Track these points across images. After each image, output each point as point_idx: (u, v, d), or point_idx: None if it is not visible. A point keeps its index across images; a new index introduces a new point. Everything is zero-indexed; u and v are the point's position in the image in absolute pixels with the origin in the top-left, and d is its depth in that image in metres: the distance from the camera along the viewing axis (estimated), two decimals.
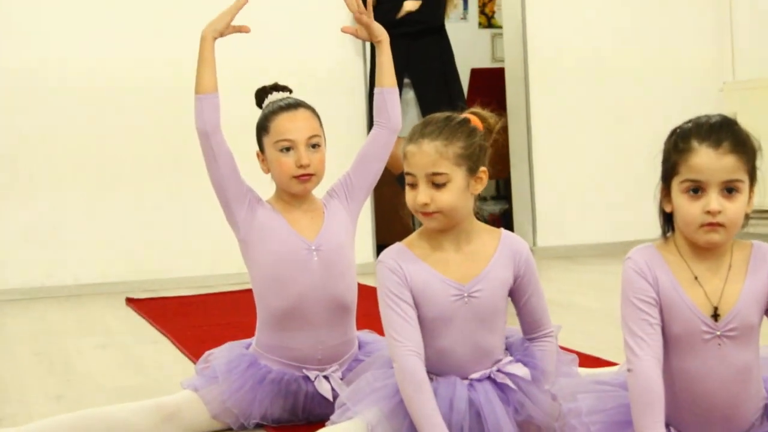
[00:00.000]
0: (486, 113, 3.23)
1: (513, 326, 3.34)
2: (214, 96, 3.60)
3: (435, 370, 3.16)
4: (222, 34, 3.65)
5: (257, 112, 3.72)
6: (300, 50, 7.82)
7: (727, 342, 2.72)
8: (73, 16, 7.70)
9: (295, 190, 3.66)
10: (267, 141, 3.65)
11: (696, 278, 2.74)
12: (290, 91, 3.75)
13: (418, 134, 3.12)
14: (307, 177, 3.62)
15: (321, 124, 3.69)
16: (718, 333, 2.71)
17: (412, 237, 3.23)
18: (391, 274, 3.12)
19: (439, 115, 3.18)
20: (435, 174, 3.07)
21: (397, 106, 3.75)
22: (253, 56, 7.43)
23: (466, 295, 3.14)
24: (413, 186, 3.10)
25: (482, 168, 3.14)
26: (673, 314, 2.74)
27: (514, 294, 3.26)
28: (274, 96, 3.72)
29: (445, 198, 3.07)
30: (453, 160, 3.07)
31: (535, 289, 3.27)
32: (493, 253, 3.21)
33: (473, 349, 3.18)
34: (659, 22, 8.60)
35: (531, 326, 3.30)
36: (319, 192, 3.76)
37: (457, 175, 3.08)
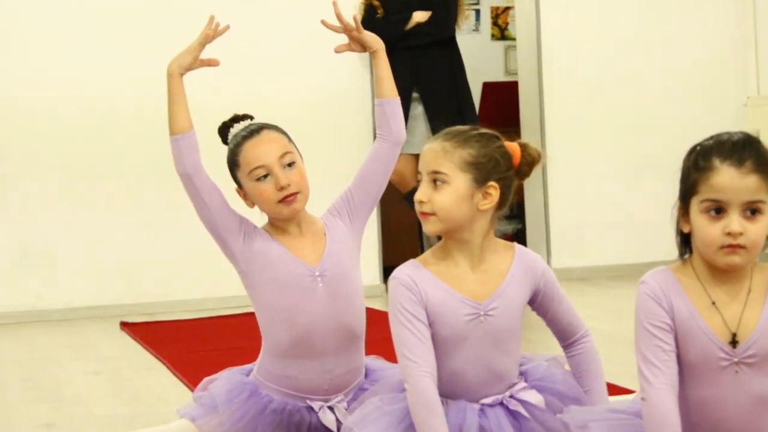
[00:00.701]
0: (532, 146, 3.26)
1: (528, 352, 3.35)
2: (191, 135, 3.58)
3: (445, 392, 3.16)
4: (190, 69, 3.62)
5: None
6: (306, 68, 7.80)
7: (746, 369, 2.72)
8: (63, 33, 7.72)
9: (285, 215, 3.62)
10: (241, 175, 3.60)
11: (713, 303, 2.75)
12: (251, 118, 3.72)
13: (436, 136, 3.20)
14: (292, 197, 3.57)
15: (290, 140, 3.66)
16: (736, 360, 2.72)
17: (427, 254, 3.25)
18: (406, 290, 3.13)
19: (469, 126, 3.26)
20: (436, 172, 3.13)
21: (400, 117, 3.72)
22: (260, 78, 7.43)
23: (482, 313, 3.16)
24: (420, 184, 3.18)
25: (492, 183, 3.15)
26: (689, 341, 2.74)
27: (540, 308, 3.30)
28: (236, 128, 3.69)
29: (441, 199, 3.12)
30: (458, 164, 3.12)
31: (560, 297, 3.31)
32: (507, 269, 3.24)
33: (486, 371, 3.19)
34: (680, 35, 8.60)
35: (565, 332, 3.33)
36: (318, 210, 3.77)
37: (459, 180, 3.12)
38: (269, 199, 3.57)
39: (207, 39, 3.61)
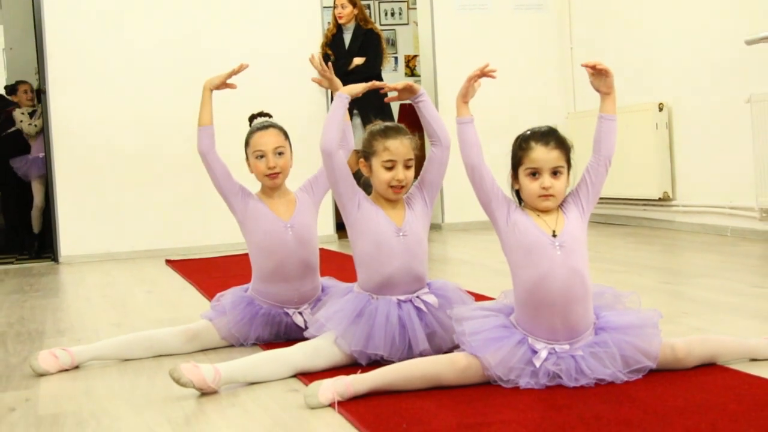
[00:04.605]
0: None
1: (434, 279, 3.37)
2: (210, 128, 3.61)
3: (377, 290, 3.21)
4: (218, 88, 3.66)
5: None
6: (291, 94, 7.80)
7: (563, 249, 2.80)
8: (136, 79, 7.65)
9: (269, 185, 3.67)
10: (249, 151, 3.67)
11: (539, 216, 2.88)
12: (270, 116, 3.76)
13: (394, 132, 3.24)
14: (275, 175, 3.64)
15: (286, 138, 3.69)
16: (558, 244, 2.81)
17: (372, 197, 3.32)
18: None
19: (396, 124, 3.32)
20: (410, 159, 3.23)
21: (351, 133, 3.72)
22: (268, 93, 7.38)
23: (401, 234, 3.21)
24: (392, 168, 3.20)
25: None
26: (528, 233, 2.83)
27: (426, 174, 3.33)
28: (257, 120, 3.74)
29: (411, 175, 3.24)
30: (413, 152, 3.23)
31: (429, 175, 3.33)
32: (405, 209, 3.29)
33: (409, 274, 3.22)
34: (521, 69, 8.62)
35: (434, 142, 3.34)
36: (298, 181, 3.78)
37: (414, 162, 3.25)
38: (260, 171, 3.65)
39: (234, 73, 3.67)
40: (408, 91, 3.35)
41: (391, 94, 3.42)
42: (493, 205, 2.91)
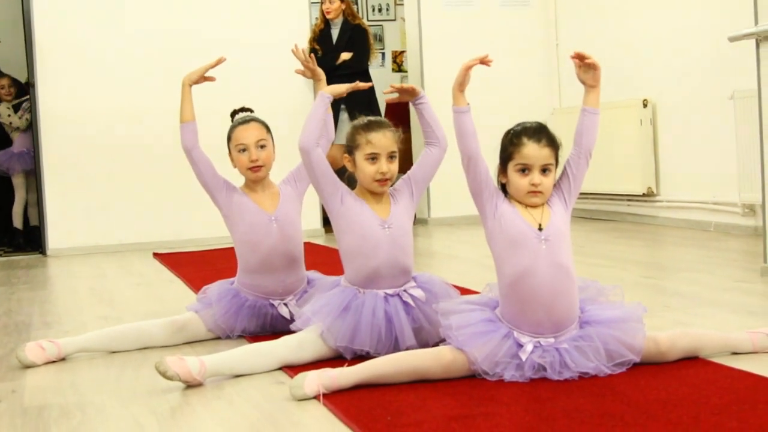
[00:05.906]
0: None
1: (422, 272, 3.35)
2: (193, 124, 3.57)
3: (364, 284, 3.19)
4: (196, 83, 3.61)
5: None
6: (279, 88, 7.78)
7: (549, 243, 2.79)
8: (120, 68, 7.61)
9: (251, 178, 3.66)
10: (231, 145, 3.65)
11: (526, 209, 2.85)
12: (251, 111, 3.75)
13: (377, 125, 3.22)
14: (258, 168, 3.62)
15: (268, 131, 3.68)
16: (543, 238, 2.79)
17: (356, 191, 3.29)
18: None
19: (379, 118, 3.29)
20: (393, 152, 3.21)
21: (332, 125, 3.71)
22: (249, 88, 7.36)
23: (386, 226, 3.20)
24: (375, 160, 3.18)
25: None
26: (505, 222, 2.82)
27: (418, 171, 3.33)
28: (239, 115, 3.72)
29: (395, 168, 3.21)
30: (396, 145, 3.21)
31: (420, 168, 3.33)
32: (391, 202, 3.28)
33: (395, 267, 3.20)
34: (511, 67, 8.60)
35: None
36: (281, 173, 3.77)
37: (398, 155, 3.23)
38: (243, 164, 3.63)
39: (211, 66, 3.61)
40: (409, 93, 3.34)
41: (392, 95, 3.40)
42: (485, 196, 2.88)
